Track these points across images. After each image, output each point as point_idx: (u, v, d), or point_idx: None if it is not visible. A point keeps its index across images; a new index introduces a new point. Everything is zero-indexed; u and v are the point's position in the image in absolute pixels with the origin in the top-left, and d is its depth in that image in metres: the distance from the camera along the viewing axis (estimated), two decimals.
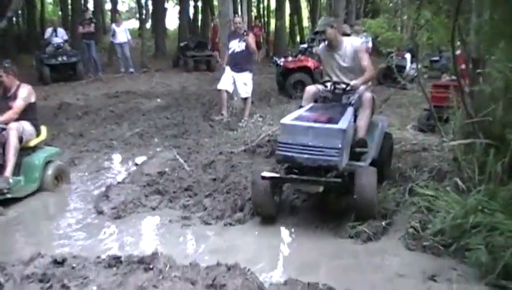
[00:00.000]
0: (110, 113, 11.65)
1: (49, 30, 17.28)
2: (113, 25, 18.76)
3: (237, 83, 10.43)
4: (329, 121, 5.17)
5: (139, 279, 3.30)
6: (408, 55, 14.19)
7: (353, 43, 6.12)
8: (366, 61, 5.97)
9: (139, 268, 3.52)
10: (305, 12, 35.68)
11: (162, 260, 3.60)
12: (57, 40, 16.47)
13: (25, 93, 6.74)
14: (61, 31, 17.21)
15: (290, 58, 13.84)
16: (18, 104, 6.63)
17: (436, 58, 14.84)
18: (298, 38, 32.00)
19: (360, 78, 5.87)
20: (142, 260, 3.62)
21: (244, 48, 10.37)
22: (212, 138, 8.98)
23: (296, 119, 5.26)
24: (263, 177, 5.15)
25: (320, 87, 6.10)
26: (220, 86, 10.52)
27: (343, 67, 6.09)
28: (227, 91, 10.42)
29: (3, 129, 6.41)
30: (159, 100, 13.48)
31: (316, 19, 28.07)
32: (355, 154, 5.48)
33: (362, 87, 5.90)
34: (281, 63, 13.74)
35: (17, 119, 6.61)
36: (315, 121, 5.17)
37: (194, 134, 9.38)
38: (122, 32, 18.12)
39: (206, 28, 30.04)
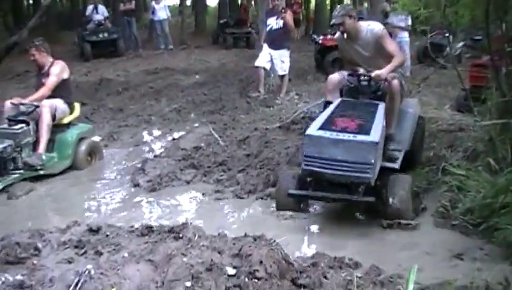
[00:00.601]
0: (149, 89, 11.85)
1: (90, 7, 17.59)
2: (153, 2, 18.89)
3: (274, 60, 10.45)
4: (359, 129, 4.68)
5: (169, 247, 3.43)
6: (449, 34, 13.90)
7: (373, 29, 5.45)
8: (391, 46, 5.45)
9: (169, 237, 3.66)
10: None
11: (192, 229, 3.74)
12: (98, 17, 16.77)
13: (57, 70, 6.88)
14: (102, 8, 17.47)
15: (329, 36, 13.75)
16: (50, 81, 6.78)
17: (479, 37, 14.49)
18: None
19: (386, 67, 5.26)
20: (173, 230, 3.76)
21: (281, 26, 10.37)
22: (248, 114, 9.06)
23: (323, 129, 4.74)
24: (289, 195, 4.83)
25: (345, 73, 5.58)
26: (257, 63, 10.58)
27: (366, 57, 5.53)
28: (264, 68, 10.49)
29: (37, 107, 6.60)
30: (197, 76, 13.61)
31: None
32: (384, 154, 5.04)
33: (391, 75, 5.31)
34: (320, 41, 13.68)
35: (50, 97, 6.78)
36: (344, 130, 4.68)
37: (231, 110, 9.48)
38: (162, 10, 18.27)
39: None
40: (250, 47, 19.05)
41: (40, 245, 3.53)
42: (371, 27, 5.46)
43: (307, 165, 4.61)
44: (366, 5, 25.73)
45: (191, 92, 11.36)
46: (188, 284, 2.93)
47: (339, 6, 5.60)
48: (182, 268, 3.16)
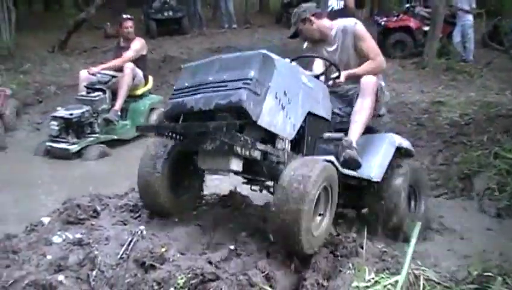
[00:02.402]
0: None
1: None
2: None
3: None
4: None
5: (217, 213, 3.67)
6: None
7: (345, 26, 4.23)
8: (367, 45, 4.19)
9: (218, 205, 3.90)
10: None
11: (240, 198, 3.96)
12: None
13: (137, 46, 7.55)
14: None
15: (394, 18, 13.61)
16: (128, 54, 7.41)
17: None
18: None
19: (350, 70, 4.13)
20: (222, 198, 4.00)
21: (342, 6, 10.35)
22: None
23: None
24: (137, 128, 3.98)
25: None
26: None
27: (343, 63, 4.22)
28: None
29: (113, 77, 7.19)
30: None
31: None
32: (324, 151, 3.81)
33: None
34: (382, 22, 13.55)
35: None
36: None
37: None
38: None
39: None
40: None
41: (98, 208, 3.84)
42: (341, 24, 4.28)
43: (171, 98, 3.50)
44: None
45: None
46: (232, 247, 3.14)
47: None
48: (227, 232, 3.40)
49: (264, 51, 3.29)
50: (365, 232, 3.37)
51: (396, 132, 4.71)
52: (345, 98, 4.28)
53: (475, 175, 5.34)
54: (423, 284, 2.78)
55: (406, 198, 4.06)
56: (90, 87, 7.17)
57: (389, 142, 4.08)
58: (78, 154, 6.66)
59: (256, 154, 3.23)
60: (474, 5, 11.75)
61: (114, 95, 7.20)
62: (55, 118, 6.78)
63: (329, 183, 3.15)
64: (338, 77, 3.99)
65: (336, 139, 3.80)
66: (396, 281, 2.64)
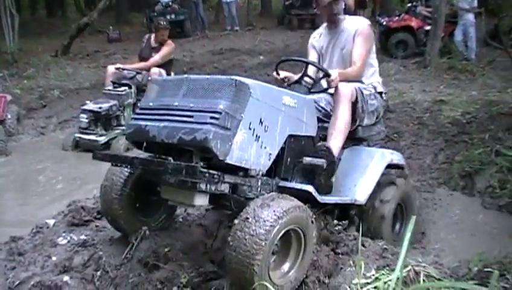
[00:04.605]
0: (214, 69, 12.16)
1: None
2: None
3: None
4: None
5: (219, 213, 3.71)
6: None
7: (358, 23, 4.07)
8: (359, 48, 3.93)
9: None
10: None
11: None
12: None
13: (166, 51, 7.84)
14: None
15: (395, 18, 13.64)
16: (155, 59, 7.74)
17: None
18: None
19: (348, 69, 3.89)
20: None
21: (343, 6, 10.37)
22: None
23: None
24: (94, 156, 3.20)
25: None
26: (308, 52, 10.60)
27: (339, 56, 4.10)
28: None
29: (138, 73, 7.57)
30: (261, 57, 13.78)
31: None
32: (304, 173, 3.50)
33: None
34: (384, 22, 13.58)
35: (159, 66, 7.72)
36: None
37: None
38: None
39: None
40: (315, 28, 18.98)
41: None
42: (356, 19, 4.18)
43: (135, 118, 3.22)
44: None
45: (254, 73, 11.55)
46: None
47: None
48: (229, 232, 3.43)
49: (238, 78, 2.92)
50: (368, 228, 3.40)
51: (387, 140, 4.68)
52: None
53: (476, 173, 5.36)
54: (423, 280, 2.81)
55: (390, 223, 3.80)
56: (117, 82, 7.55)
57: (378, 159, 3.76)
58: (106, 145, 7.03)
59: (224, 187, 2.92)
60: (475, 4, 11.76)
61: (139, 91, 7.49)
62: (84, 111, 7.22)
63: (299, 226, 2.83)
64: (328, 76, 3.65)
65: (316, 165, 3.39)
66: (398, 278, 2.67)
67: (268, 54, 14.25)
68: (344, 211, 3.74)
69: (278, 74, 3.93)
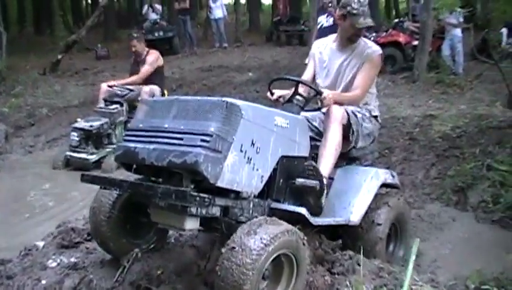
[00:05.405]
0: (203, 86, 12.14)
1: (146, 7, 18.12)
2: (210, 1, 19.18)
3: None
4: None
5: (211, 235, 3.65)
6: (504, 30, 13.66)
7: (370, 48, 3.92)
8: (365, 75, 3.86)
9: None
10: None
11: None
12: (153, 16, 17.26)
13: (151, 59, 7.75)
14: (157, 7, 17.95)
15: (383, 34, 13.72)
16: (144, 70, 7.67)
17: None
18: (394, 13, 31.19)
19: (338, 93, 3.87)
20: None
21: (331, 23, 10.43)
22: None
23: None
24: (82, 178, 3.13)
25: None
26: (308, 60, 10.65)
27: (343, 78, 3.99)
28: None
29: (131, 90, 7.52)
30: (250, 74, 13.79)
31: None
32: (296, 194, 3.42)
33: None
34: (372, 38, 13.64)
35: (148, 83, 7.63)
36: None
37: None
38: (219, 8, 18.47)
39: (300, 2, 29.96)
40: (303, 44, 19.12)
41: None
42: (368, 43, 4.01)
43: (124, 140, 3.18)
44: None
45: (243, 89, 11.56)
46: None
47: None
48: None
49: (229, 99, 2.91)
50: (361, 249, 3.36)
51: (378, 156, 4.64)
52: None
53: (469, 188, 5.36)
54: None
55: (384, 245, 3.68)
56: (109, 100, 7.50)
57: (372, 179, 3.69)
58: (97, 163, 6.96)
59: (215, 210, 2.89)
60: (462, 19, 11.88)
61: (130, 108, 7.39)
62: (75, 129, 7.16)
63: (290, 250, 2.75)
64: (320, 94, 3.59)
65: (309, 187, 3.31)
66: None
67: (257, 70, 14.26)
68: (336, 230, 3.65)
69: (271, 93, 3.87)
